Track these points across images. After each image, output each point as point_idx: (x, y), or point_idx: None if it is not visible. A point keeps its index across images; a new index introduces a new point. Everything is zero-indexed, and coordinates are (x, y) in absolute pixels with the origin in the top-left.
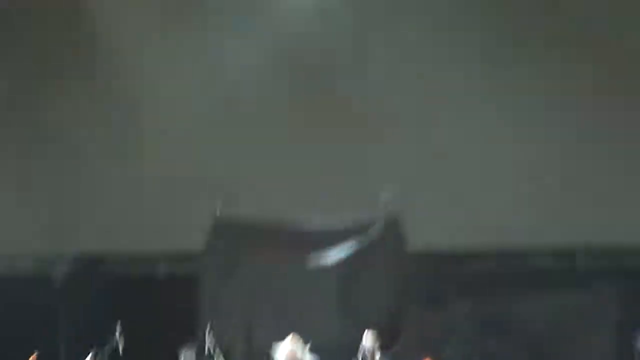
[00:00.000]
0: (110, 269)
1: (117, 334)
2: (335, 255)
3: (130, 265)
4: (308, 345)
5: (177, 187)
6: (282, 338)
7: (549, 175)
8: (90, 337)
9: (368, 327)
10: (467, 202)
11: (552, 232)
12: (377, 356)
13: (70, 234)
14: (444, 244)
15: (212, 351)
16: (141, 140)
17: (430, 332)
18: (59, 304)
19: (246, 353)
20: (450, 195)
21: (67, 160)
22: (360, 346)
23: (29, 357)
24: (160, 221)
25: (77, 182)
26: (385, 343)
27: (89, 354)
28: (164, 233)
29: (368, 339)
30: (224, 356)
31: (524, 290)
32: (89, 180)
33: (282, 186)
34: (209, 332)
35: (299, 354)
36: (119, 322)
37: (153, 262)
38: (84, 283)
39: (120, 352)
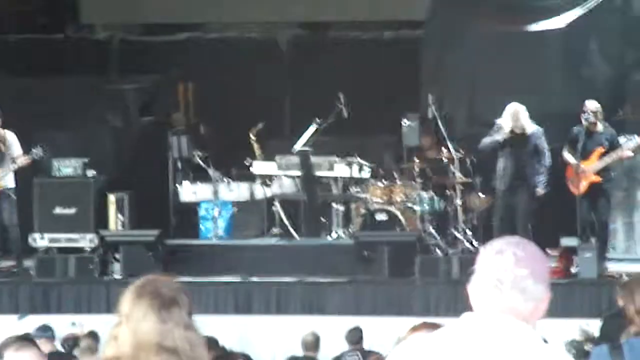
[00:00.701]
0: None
1: (342, 102)
2: (560, 21)
3: (355, 32)
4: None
5: None
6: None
7: None
8: (314, 107)
9: (591, 95)
10: None
11: None
12: (600, 125)
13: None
14: None
15: (436, 117)
16: None
17: None
18: (285, 70)
19: (467, 119)
20: None
21: None
22: (583, 115)
23: (255, 126)
24: None
25: None
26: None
27: (313, 122)
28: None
29: (590, 107)
30: (447, 123)
31: None
32: None
33: None
34: (431, 98)
35: (521, 117)
36: (340, 93)
37: (380, 28)
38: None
39: (345, 116)
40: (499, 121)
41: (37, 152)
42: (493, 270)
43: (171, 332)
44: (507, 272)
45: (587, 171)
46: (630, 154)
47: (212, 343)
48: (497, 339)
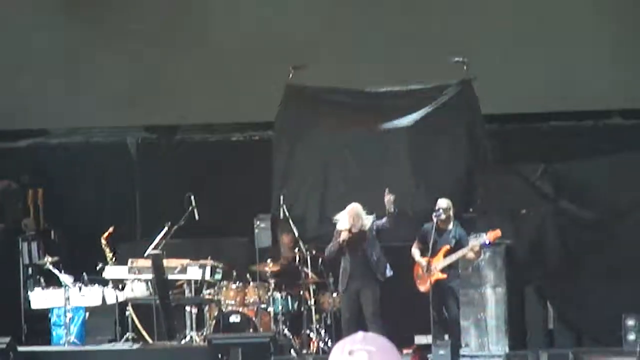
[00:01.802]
0: (184, 138)
1: (192, 203)
2: (408, 119)
3: (203, 134)
4: (372, 215)
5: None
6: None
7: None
8: (166, 208)
9: (442, 193)
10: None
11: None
12: (451, 224)
13: (145, 105)
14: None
15: (286, 218)
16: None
17: (504, 194)
18: (134, 174)
19: (318, 219)
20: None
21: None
22: (434, 213)
23: (106, 231)
24: (233, 92)
25: (153, 57)
26: (459, 209)
27: (164, 225)
28: (236, 103)
29: (442, 205)
30: (297, 222)
31: (597, 149)
32: (163, 54)
33: (353, 56)
34: (282, 199)
35: (361, 216)
36: (191, 195)
37: (227, 131)
38: (159, 152)
39: (197, 218)
40: (338, 225)
41: None
42: None
43: None
44: None
45: (433, 269)
46: (472, 255)
47: None
48: None
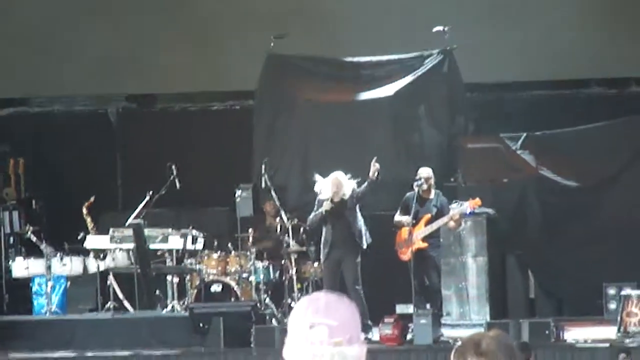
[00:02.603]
0: (165, 107)
1: (173, 173)
2: (389, 88)
3: (184, 104)
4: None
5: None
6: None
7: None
8: (147, 177)
9: (423, 162)
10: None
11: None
12: (432, 192)
13: (126, 74)
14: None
15: (267, 187)
16: None
17: (485, 164)
18: (115, 142)
19: (300, 188)
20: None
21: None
22: (415, 182)
23: (87, 200)
24: (213, 61)
25: (134, 25)
26: (440, 178)
27: (146, 195)
28: (217, 73)
29: (423, 174)
30: (279, 192)
31: (577, 118)
32: (144, 23)
33: (334, 25)
34: (264, 169)
35: (343, 184)
36: (172, 164)
37: (208, 100)
38: (140, 121)
39: (178, 187)
40: (320, 194)
41: None
42: (309, 346)
43: None
44: (323, 346)
45: (414, 237)
46: (452, 224)
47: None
48: None
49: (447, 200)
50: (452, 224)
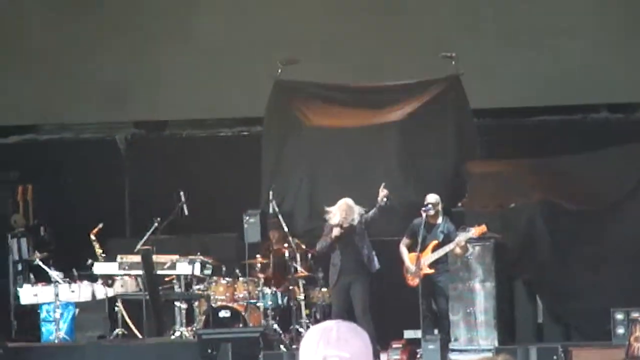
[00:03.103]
0: (173, 133)
1: (181, 199)
2: (397, 114)
3: (193, 130)
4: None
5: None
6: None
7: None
8: (155, 204)
9: (430, 188)
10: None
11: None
12: (440, 218)
13: (134, 102)
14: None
15: (275, 213)
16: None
17: (493, 189)
18: (123, 169)
19: (308, 214)
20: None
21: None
22: (423, 207)
23: (95, 227)
24: (222, 87)
25: (142, 53)
26: (448, 204)
27: (154, 221)
28: (225, 99)
29: (431, 200)
30: (286, 218)
31: (585, 143)
32: (152, 50)
33: (341, 52)
34: (272, 195)
35: (353, 210)
36: (181, 191)
37: (216, 127)
38: (148, 148)
39: (186, 214)
40: (329, 220)
41: None
42: None
43: None
44: None
45: (422, 263)
46: (458, 250)
47: None
48: None
49: (454, 227)
50: (458, 250)
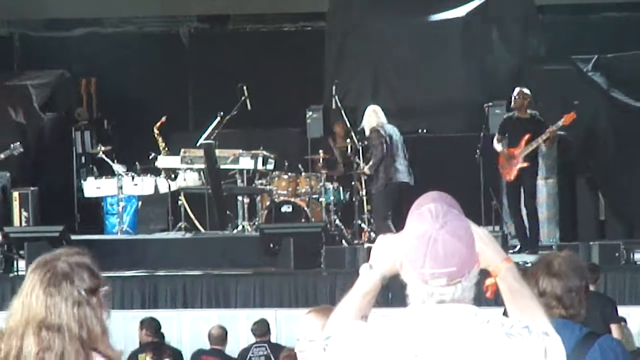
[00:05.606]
0: (236, 28)
1: (244, 93)
2: (461, 10)
3: (256, 25)
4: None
5: None
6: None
7: None
8: (218, 98)
9: (494, 84)
10: None
11: None
12: (528, 110)
13: None
14: None
15: (338, 109)
16: None
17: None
18: (187, 63)
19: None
20: None
21: None
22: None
23: (158, 120)
24: None
25: None
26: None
27: (217, 115)
28: None
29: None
30: (349, 113)
31: None
32: None
33: None
34: (335, 90)
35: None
36: (243, 85)
37: (279, 21)
38: (211, 42)
39: (249, 108)
40: (368, 129)
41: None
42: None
43: (57, 308)
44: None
45: (516, 157)
46: (548, 141)
47: (150, 326)
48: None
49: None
50: (547, 142)
